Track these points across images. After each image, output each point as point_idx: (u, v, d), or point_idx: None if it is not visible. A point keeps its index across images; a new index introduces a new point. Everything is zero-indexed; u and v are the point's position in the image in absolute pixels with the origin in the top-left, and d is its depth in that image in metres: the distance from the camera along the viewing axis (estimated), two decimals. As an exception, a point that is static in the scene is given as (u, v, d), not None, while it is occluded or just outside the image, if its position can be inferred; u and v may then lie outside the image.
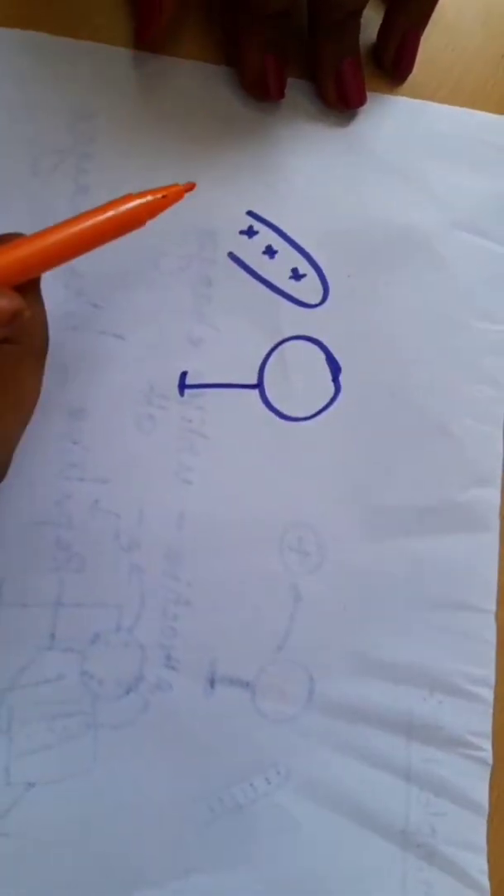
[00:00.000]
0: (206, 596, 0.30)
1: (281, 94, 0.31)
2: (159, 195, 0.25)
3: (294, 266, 0.31)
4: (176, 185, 0.26)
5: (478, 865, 0.31)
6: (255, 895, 0.29)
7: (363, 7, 0.30)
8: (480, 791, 0.31)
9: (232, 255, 0.31)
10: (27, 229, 0.26)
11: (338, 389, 0.31)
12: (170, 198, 0.25)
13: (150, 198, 0.25)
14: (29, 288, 0.24)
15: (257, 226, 0.31)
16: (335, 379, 0.31)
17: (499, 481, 0.32)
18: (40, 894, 0.28)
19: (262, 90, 0.30)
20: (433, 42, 0.33)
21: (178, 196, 0.26)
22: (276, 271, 0.31)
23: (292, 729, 0.30)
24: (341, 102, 0.31)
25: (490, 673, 0.32)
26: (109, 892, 0.29)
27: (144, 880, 0.29)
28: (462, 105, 0.33)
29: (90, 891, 0.29)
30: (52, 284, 0.27)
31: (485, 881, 0.31)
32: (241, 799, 0.30)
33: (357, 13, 0.30)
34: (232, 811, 0.30)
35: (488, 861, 0.31)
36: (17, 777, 0.28)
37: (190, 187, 0.26)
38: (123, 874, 0.29)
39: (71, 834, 0.29)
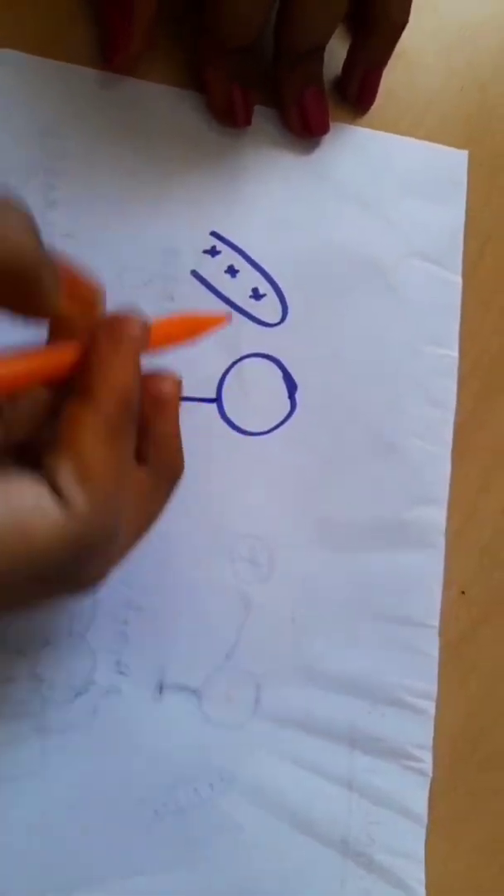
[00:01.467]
0: (158, 602, 0.31)
1: (247, 122, 0.32)
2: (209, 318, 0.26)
3: (254, 286, 0.32)
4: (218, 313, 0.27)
5: (415, 874, 0.32)
6: (195, 898, 0.30)
7: (326, 42, 0.31)
8: (420, 801, 0.32)
9: (194, 273, 0.32)
10: None
11: (293, 406, 0.32)
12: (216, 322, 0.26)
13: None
14: (167, 411, 0.24)
15: (220, 246, 0.32)
16: (291, 396, 0.32)
17: (445, 501, 0.33)
18: (-17, 894, 0.29)
19: (228, 117, 0.31)
20: (395, 76, 0.34)
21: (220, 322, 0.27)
22: (236, 290, 0.32)
23: (238, 736, 0.31)
24: (305, 130, 0.32)
25: (432, 687, 0.32)
26: (53, 891, 0.29)
27: (88, 880, 0.29)
28: (422, 137, 0.35)
29: (34, 889, 0.29)
30: None
31: (422, 890, 0.32)
32: (185, 803, 0.30)
33: (320, 47, 0.31)
34: (176, 815, 0.30)
35: (426, 871, 0.32)
36: (-37, 776, 0.29)
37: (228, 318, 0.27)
38: (68, 873, 0.29)
39: (16, 833, 0.29)
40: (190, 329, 0.26)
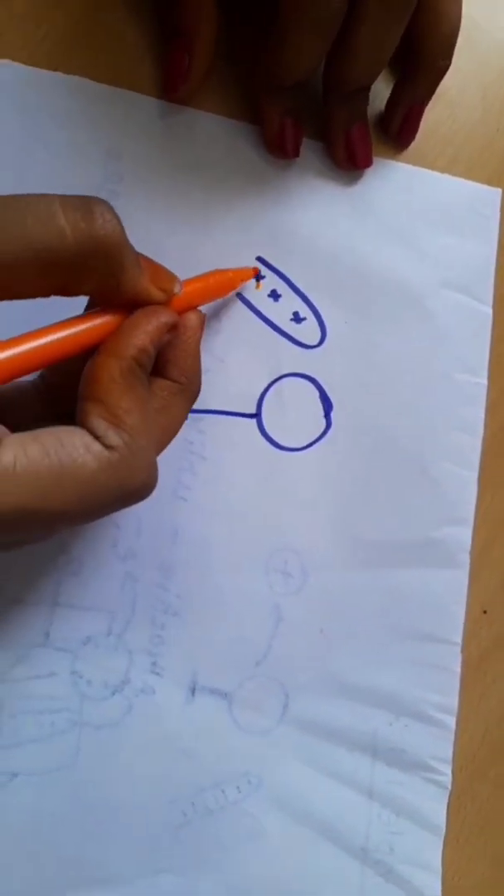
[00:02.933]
0: (194, 608, 0.32)
1: (296, 153, 0.33)
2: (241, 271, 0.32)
3: (296, 310, 0.34)
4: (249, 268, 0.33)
5: (431, 885, 0.32)
6: (219, 898, 0.31)
7: (372, 82, 0.33)
8: (438, 813, 0.33)
9: (240, 296, 0.33)
10: None
11: (329, 425, 0.34)
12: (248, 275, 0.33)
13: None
14: (192, 325, 0.28)
15: (265, 271, 0.33)
16: (327, 415, 0.34)
17: (471, 522, 0.34)
18: (14, 887, 0.30)
19: (279, 149, 0.33)
20: (435, 114, 0.36)
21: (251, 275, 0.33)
22: (279, 313, 0.33)
23: (265, 741, 0.32)
24: (349, 163, 0.34)
25: (453, 701, 0.33)
26: (79, 885, 0.30)
27: (114, 876, 0.30)
28: (458, 174, 0.36)
29: (60, 882, 0.30)
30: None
31: (437, 900, 0.32)
32: (213, 805, 0.31)
33: (367, 87, 0.33)
34: (203, 816, 0.31)
35: (443, 882, 0.33)
36: (1, 766, 0.30)
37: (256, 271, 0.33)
38: (94, 869, 0.30)
39: (48, 825, 0.30)
40: (223, 285, 0.31)
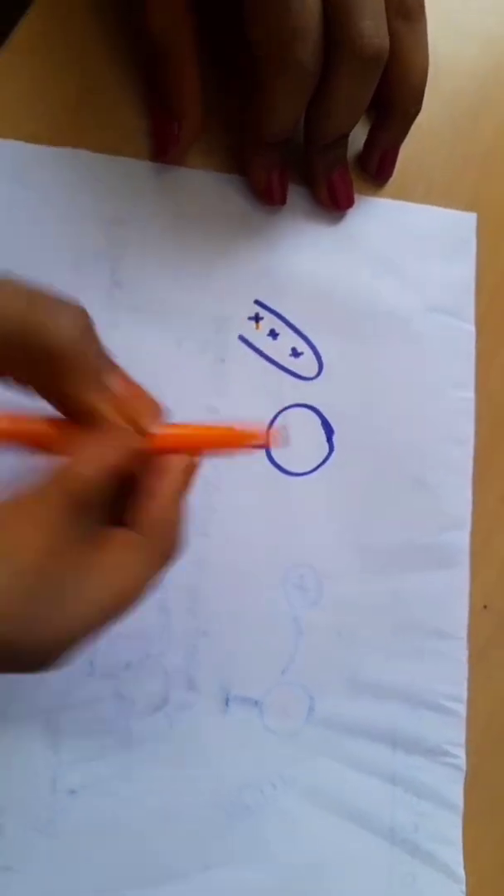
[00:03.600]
0: (221, 627, 0.35)
1: (283, 201, 0.36)
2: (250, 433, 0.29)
3: (293, 346, 0.36)
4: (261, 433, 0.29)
5: (454, 858, 0.36)
6: (264, 885, 0.34)
7: (350, 131, 0.35)
8: (456, 793, 0.36)
9: (241, 338, 0.36)
10: None
11: (331, 449, 0.36)
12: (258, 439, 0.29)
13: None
14: (171, 470, 0.24)
15: (262, 312, 0.36)
16: (329, 439, 0.36)
17: (468, 525, 0.37)
18: (82, 888, 0.33)
19: (267, 198, 0.36)
20: (409, 149, 0.38)
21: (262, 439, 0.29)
22: (278, 350, 0.36)
23: (295, 741, 0.35)
24: (333, 205, 0.37)
25: (463, 690, 0.37)
26: (140, 885, 0.33)
27: (170, 874, 0.34)
28: (435, 203, 0.39)
29: (124, 884, 0.33)
30: None
31: (461, 871, 0.36)
32: (252, 803, 0.35)
33: (345, 135, 0.36)
34: (244, 814, 0.34)
35: (464, 854, 0.36)
36: (61, 785, 0.33)
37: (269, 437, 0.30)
38: (152, 870, 0.33)
39: (107, 834, 0.33)
40: (229, 442, 0.28)
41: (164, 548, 0.24)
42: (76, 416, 0.23)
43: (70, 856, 0.33)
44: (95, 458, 0.22)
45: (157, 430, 0.25)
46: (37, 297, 0.22)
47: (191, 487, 0.25)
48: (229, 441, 0.28)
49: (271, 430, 0.34)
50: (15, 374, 0.23)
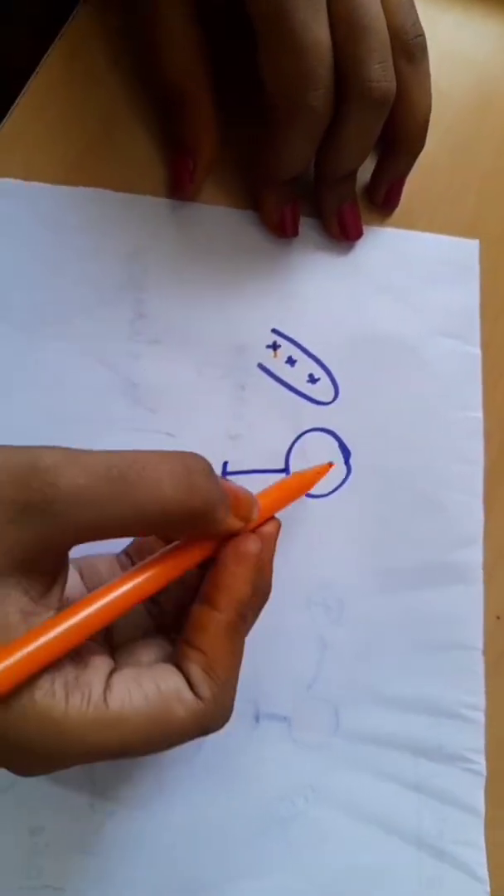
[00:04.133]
0: (250, 646, 0.36)
1: (295, 233, 0.38)
2: (315, 471, 0.35)
3: (310, 372, 0.38)
4: (321, 466, 0.36)
5: (478, 860, 0.37)
6: (300, 894, 0.35)
7: (358, 167, 0.37)
8: (477, 798, 0.38)
9: (260, 365, 0.37)
10: (94, 348, 0.35)
11: (349, 471, 0.38)
12: (321, 472, 0.36)
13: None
14: (268, 539, 0.30)
15: (280, 340, 0.38)
16: (346, 462, 0.38)
17: (480, 541, 0.39)
18: (120, 903, 0.34)
19: (281, 231, 0.37)
20: (413, 180, 0.40)
21: (325, 471, 0.36)
22: (296, 377, 0.38)
23: (323, 754, 0.36)
24: (343, 237, 0.38)
25: (481, 699, 0.38)
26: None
27: (206, 886, 0.35)
28: (438, 231, 0.41)
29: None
30: (115, 394, 0.34)
31: (484, 873, 0.37)
32: (285, 814, 0.36)
33: (354, 170, 0.37)
34: (277, 825, 0.36)
35: (486, 856, 0.37)
36: (100, 805, 0.34)
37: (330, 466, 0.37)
38: (190, 882, 0.35)
39: (145, 850, 0.34)
40: (304, 485, 0.34)
41: (267, 598, 0.31)
42: (217, 539, 0.28)
43: (110, 872, 0.34)
44: (246, 579, 0.28)
45: (257, 516, 0.29)
46: (175, 473, 0.25)
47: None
48: (304, 486, 0.35)
49: (330, 462, 0.37)
50: (170, 536, 0.28)
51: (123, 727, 0.24)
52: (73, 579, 0.31)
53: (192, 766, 0.35)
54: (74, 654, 0.25)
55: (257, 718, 0.36)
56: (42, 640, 0.23)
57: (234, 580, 0.28)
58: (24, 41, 0.37)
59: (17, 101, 0.36)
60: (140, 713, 0.25)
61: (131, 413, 0.36)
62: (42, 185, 0.35)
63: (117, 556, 0.32)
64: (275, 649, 0.36)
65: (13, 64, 0.37)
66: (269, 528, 0.30)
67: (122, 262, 0.36)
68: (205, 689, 0.26)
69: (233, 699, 0.28)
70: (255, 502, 0.29)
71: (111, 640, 0.30)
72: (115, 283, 0.36)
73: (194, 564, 0.28)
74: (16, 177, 0.35)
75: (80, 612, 0.25)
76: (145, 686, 0.25)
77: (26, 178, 0.35)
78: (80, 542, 0.25)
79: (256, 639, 0.36)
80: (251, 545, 0.28)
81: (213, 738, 0.35)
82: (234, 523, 0.28)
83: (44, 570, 0.25)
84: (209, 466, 0.27)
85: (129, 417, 0.36)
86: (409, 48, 0.35)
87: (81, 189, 0.36)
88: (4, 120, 0.35)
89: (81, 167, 0.36)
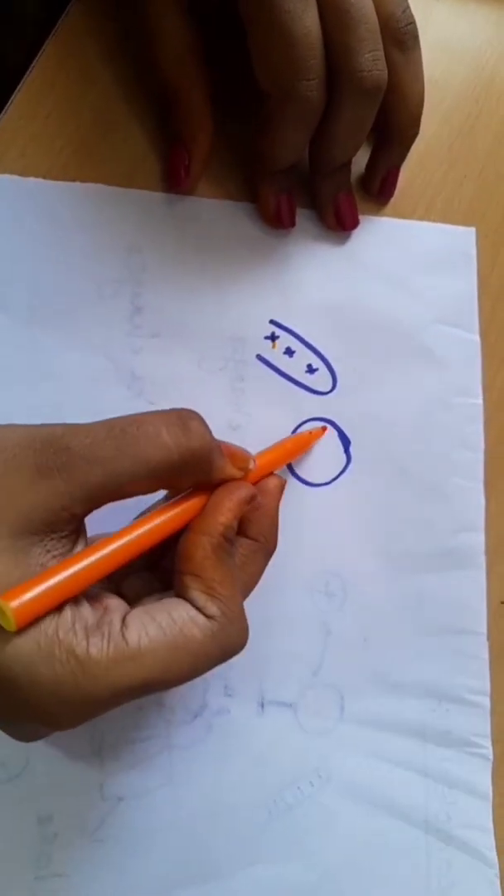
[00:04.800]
0: (254, 634, 0.36)
1: (292, 224, 0.38)
2: (309, 434, 0.37)
3: (309, 362, 0.38)
4: (316, 429, 0.38)
5: (486, 843, 0.37)
6: (307, 878, 0.36)
7: (353, 156, 0.37)
8: (484, 782, 0.38)
9: (259, 357, 0.38)
10: (94, 342, 0.35)
11: (349, 459, 0.38)
12: (316, 434, 0.38)
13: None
14: (272, 490, 0.33)
15: (278, 331, 0.38)
16: (346, 450, 0.38)
17: (482, 527, 0.39)
18: (131, 890, 0.34)
19: (277, 222, 0.38)
20: (409, 170, 0.41)
21: (320, 435, 0.38)
22: (294, 367, 0.38)
23: (329, 740, 0.37)
24: (339, 227, 0.39)
25: (486, 684, 0.38)
26: (186, 885, 0.35)
27: (215, 873, 0.35)
28: (434, 220, 0.41)
29: (171, 884, 0.35)
30: (116, 387, 0.35)
31: (493, 856, 0.37)
32: (292, 800, 0.36)
33: (349, 160, 0.37)
34: (284, 811, 0.36)
35: (495, 839, 0.38)
36: (109, 792, 0.35)
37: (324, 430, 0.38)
38: (199, 868, 0.35)
39: (155, 838, 0.35)
40: (298, 446, 0.37)
41: (273, 548, 0.32)
42: (217, 484, 0.30)
43: (119, 860, 0.34)
44: (231, 508, 0.29)
45: (254, 466, 0.31)
46: (172, 422, 0.27)
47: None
48: (300, 447, 0.37)
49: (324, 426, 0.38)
50: (175, 485, 0.30)
51: (145, 658, 0.25)
52: None
53: (198, 753, 0.35)
54: (91, 599, 0.27)
55: (262, 705, 0.36)
56: (62, 574, 0.25)
57: (219, 508, 0.29)
58: (18, 39, 0.37)
59: (12, 99, 0.36)
60: (159, 643, 0.25)
61: (132, 405, 0.36)
62: (39, 180, 0.36)
63: None
64: (279, 636, 0.37)
65: (8, 62, 0.37)
66: (272, 483, 0.33)
67: (121, 257, 0.37)
68: (212, 608, 0.27)
69: (242, 614, 0.29)
70: (251, 456, 0.31)
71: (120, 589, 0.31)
72: (114, 277, 0.36)
73: (193, 513, 0.29)
74: (13, 173, 0.36)
75: (95, 552, 0.26)
76: (158, 618, 0.26)
77: (23, 173, 0.36)
78: (96, 504, 0.26)
79: (261, 625, 0.36)
80: (238, 484, 0.30)
81: (220, 725, 0.36)
82: (233, 471, 0.30)
83: (63, 532, 0.26)
84: (201, 416, 0.29)
85: (130, 409, 0.36)
86: (399, 36, 0.35)
87: (78, 184, 0.36)
88: (0, 117, 0.36)
89: (78, 163, 0.37)
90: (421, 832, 0.37)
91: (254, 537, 0.31)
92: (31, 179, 0.36)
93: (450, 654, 0.38)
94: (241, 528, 0.31)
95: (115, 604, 0.27)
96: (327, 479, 0.38)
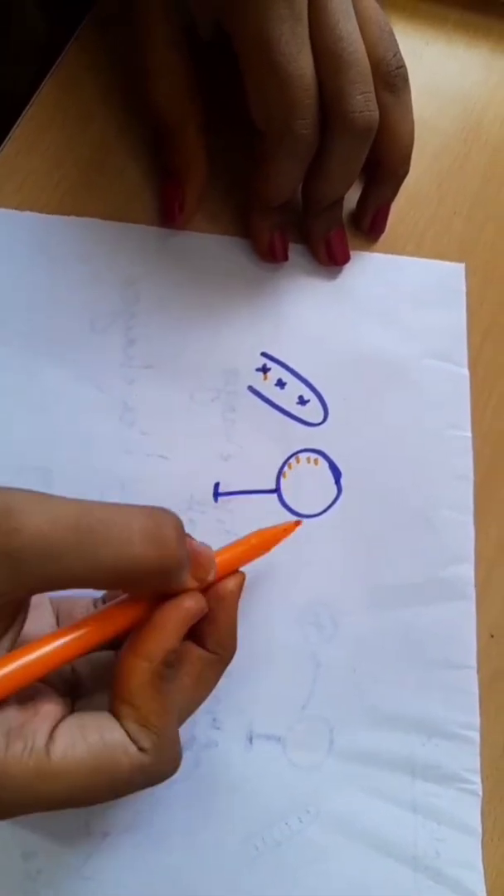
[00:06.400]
0: (242, 666, 0.36)
1: (285, 258, 0.38)
2: (280, 529, 0.34)
3: (300, 394, 0.38)
4: (289, 523, 0.34)
5: (476, 881, 0.37)
6: (296, 917, 0.35)
7: (344, 194, 0.38)
8: (474, 818, 0.37)
9: (251, 388, 0.38)
10: (89, 373, 0.35)
11: (339, 490, 0.38)
12: (288, 530, 0.34)
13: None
14: (228, 598, 0.30)
15: (269, 364, 0.38)
16: (337, 482, 0.38)
17: (472, 558, 0.39)
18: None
19: (270, 257, 0.38)
20: (399, 207, 0.41)
21: (291, 530, 0.34)
22: (286, 399, 0.38)
23: (318, 774, 0.36)
24: (331, 262, 0.39)
25: (475, 718, 0.38)
26: (174, 923, 0.34)
27: (202, 911, 0.35)
28: (425, 256, 0.42)
29: (157, 923, 0.34)
30: (109, 417, 0.35)
31: (482, 894, 0.37)
32: (280, 836, 0.36)
33: (341, 198, 0.38)
34: (273, 847, 0.35)
35: (485, 877, 0.37)
36: (94, 828, 0.34)
37: (297, 524, 0.35)
38: (185, 906, 0.34)
39: (141, 874, 0.34)
40: (266, 543, 0.33)
41: (231, 655, 0.31)
42: (166, 595, 0.28)
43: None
44: (176, 629, 0.27)
45: (213, 578, 0.29)
46: (147, 530, 0.25)
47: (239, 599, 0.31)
48: (267, 544, 0.33)
49: (297, 521, 0.36)
50: (128, 591, 0.28)
51: (65, 778, 0.24)
52: (48, 620, 0.31)
53: (185, 787, 0.35)
54: (23, 700, 0.26)
55: (251, 739, 0.36)
56: None
57: (163, 630, 0.27)
58: (18, 76, 0.38)
59: (11, 134, 0.37)
60: (82, 764, 0.25)
61: (125, 435, 0.36)
62: (36, 214, 0.36)
63: (94, 600, 0.33)
64: (268, 669, 0.37)
65: (8, 98, 0.38)
66: (230, 585, 0.30)
67: (116, 290, 0.37)
68: (145, 741, 0.26)
69: (176, 746, 0.28)
70: (213, 564, 0.30)
71: (77, 677, 0.30)
72: (109, 310, 0.37)
73: (132, 623, 0.28)
74: (10, 206, 0.36)
75: (18, 658, 0.25)
76: (89, 738, 0.25)
77: (20, 207, 0.36)
78: (40, 592, 0.25)
79: (249, 658, 0.36)
80: (186, 600, 0.28)
81: (207, 759, 0.35)
82: (191, 583, 0.28)
83: None
84: (179, 523, 0.27)
85: (123, 440, 0.37)
86: (390, 79, 0.36)
87: (74, 218, 0.37)
88: (-1, 151, 0.36)
89: (75, 197, 0.37)
90: (409, 869, 0.36)
91: (212, 650, 0.30)
92: (28, 213, 0.36)
93: (439, 687, 0.38)
94: (198, 639, 0.30)
95: (46, 709, 0.26)
96: (318, 511, 0.38)
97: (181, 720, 0.29)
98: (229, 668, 0.35)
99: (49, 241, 0.36)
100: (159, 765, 0.27)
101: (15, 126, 0.37)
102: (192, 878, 0.35)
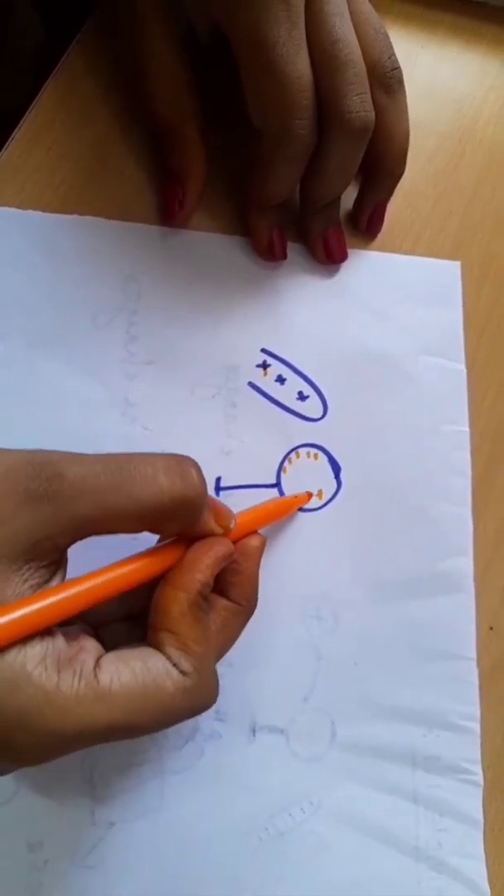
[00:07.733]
0: (245, 659, 0.37)
1: (283, 257, 0.39)
2: (295, 499, 0.38)
3: (300, 390, 0.39)
4: (301, 494, 0.38)
5: (478, 871, 0.37)
6: (299, 908, 0.35)
7: (342, 193, 0.39)
8: (475, 808, 0.38)
9: (251, 384, 0.39)
10: (91, 369, 0.36)
11: (339, 485, 0.39)
12: (302, 500, 0.38)
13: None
14: (252, 552, 0.33)
15: (269, 360, 0.39)
16: (337, 476, 0.39)
17: (470, 551, 0.40)
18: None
19: (269, 255, 0.39)
20: (396, 206, 0.42)
21: (305, 500, 0.38)
22: (285, 395, 0.39)
23: (320, 766, 0.37)
24: (329, 260, 0.40)
25: (475, 709, 0.38)
26: (178, 914, 0.34)
27: (207, 901, 0.35)
28: (421, 254, 0.42)
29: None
30: (111, 413, 0.35)
31: (485, 885, 0.37)
32: (283, 827, 0.36)
33: (338, 198, 0.39)
34: (275, 838, 0.36)
35: (487, 867, 0.38)
36: (100, 818, 0.34)
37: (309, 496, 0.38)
38: (190, 894, 0.35)
39: (145, 863, 0.34)
40: (281, 509, 0.37)
41: (253, 609, 0.33)
42: (199, 537, 0.30)
43: (110, 886, 0.34)
44: (209, 566, 0.29)
45: (234, 526, 0.31)
46: (170, 466, 0.27)
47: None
48: (282, 510, 0.37)
49: (308, 492, 0.38)
50: (160, 530, 0.29)
51: (114, 701, 0.25)
52: None
53: (190, 778, 0.35)
54: (68, 636, 0.26)
55: (254, 731, 0.36)
56: (37, 605, 0.25)
57: (197, 565, 0.29)
58: (20, 79, 0.39)
59: (13, 135, 0.37)
60: (130, 688, 0.25)
61: (127, 431, 0.37)
62: (39, 213, 0.37)
63: None
64: (270, 662, 0.37)
65: (10, 101, 0.38)
66: (253, 543, 0.33)
67: (117, 286, 0.38)
68: (186, 664, 0.27)
69: (214, 673, 0.29)
70: (232, 514, 0.31)
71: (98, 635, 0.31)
72: (111, 307, 0.37)
73: (170, 563, 0.29)
74: (13, 205, 0.37)
75: (72, 587, 0.26)
76: (132, 664, 0.26)
77: (22, 206, 0.37)
78: (81, 535, 0.26)
79: (251, 650, 0.37)
80: (217, 540, 0.30)
81: (211, 750, 0.36)
82: (215, 527, 0.30)
83: (44, 561, 0.26)
84: (199, 466, 0.28)
85: (124, 435, 0.37)
86: (386, 81, 0.36)
87: (76, 217, 0.38)
88: (2, 152, 0.37)
89: (76, 196, 0.38)
90: (412, 860, 0.37)
91: (236, 601, 0.31)
92: (31, 212, 0.37)
93: (439, 679, 0.38)
94: (223, 590, 0.31)
95: (90, 645, 0.27)
96: (318, 505, 0.39)
97: (219, 657, 0.30)
98: (232, 660, 0.36)
99: (51, 239, 0.37)
100: (201, 688, 0.28)
101: (17, 128, 0.37)
102: (196, 867, 0.35)
